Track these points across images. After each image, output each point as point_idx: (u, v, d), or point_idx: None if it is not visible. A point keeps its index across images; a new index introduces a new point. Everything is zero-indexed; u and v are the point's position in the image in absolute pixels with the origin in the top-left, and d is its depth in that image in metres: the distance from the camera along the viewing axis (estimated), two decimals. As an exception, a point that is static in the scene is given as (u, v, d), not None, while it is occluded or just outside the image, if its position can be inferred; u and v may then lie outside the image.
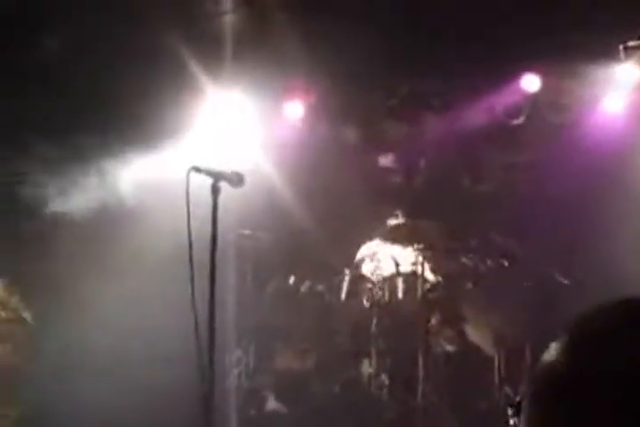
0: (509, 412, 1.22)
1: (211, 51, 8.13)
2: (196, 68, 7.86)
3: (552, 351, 1.13)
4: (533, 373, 1.15)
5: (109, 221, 7.60)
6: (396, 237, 8.20)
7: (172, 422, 6.73)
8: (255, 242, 8.43)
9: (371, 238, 8.44)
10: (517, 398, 1.19)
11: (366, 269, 8.25)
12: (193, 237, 4.35)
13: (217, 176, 4.51)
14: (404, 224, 8.32)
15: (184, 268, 4.35)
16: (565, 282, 7.87)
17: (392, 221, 8.46)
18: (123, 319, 7.22)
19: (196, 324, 4.24)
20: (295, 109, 8.83)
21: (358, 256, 8.37)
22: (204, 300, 4.40)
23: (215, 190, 4.52)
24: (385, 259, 8.16)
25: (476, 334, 7.96)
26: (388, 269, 8.08)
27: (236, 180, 4.56)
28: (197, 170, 4.48)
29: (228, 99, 8.27)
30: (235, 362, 8.29)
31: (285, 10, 8.22)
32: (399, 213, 8.45)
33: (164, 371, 7.04)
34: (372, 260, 8.21)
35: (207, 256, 4.47)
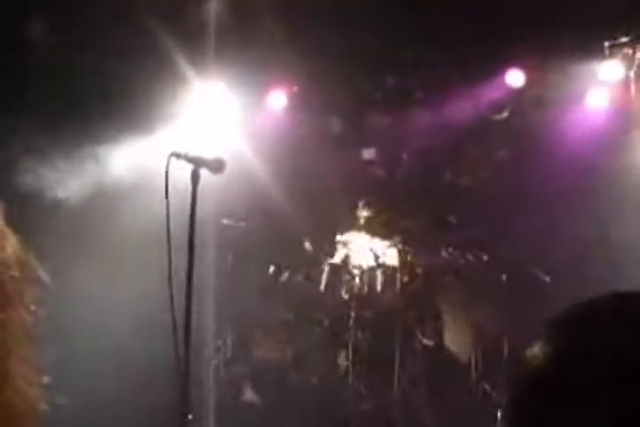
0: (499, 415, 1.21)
1: (195, 43, 8.11)
2: (181, 59, 7.87)
3: (533, 349, 1.12)
4: (513, 371, 1.14)
5: (96, 207, 7.63)
6: (376, 229, 8.20)
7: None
8: (235, 231, 8.40)
9: (351, 230, 8.43)
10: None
11: (340, 258, 8.24)
12: (174, 224, 4.30)
13: (197, 162, 4.43)
14: (384, 216, 8.31)
15: (165, 255, 4.31)
16: (543, 277, 7.89)
17: (372, 213, 8.45)
18: (109, 303, 7.31)
19: (173, 315, 4.17)
20: (278, 100, 8.79)
21: (337, 247, 8.36)
22: (182, 289, 4.35)
23: (195, 177, 4.42)
24: (364, 251, 8.16)
25: (453, 332, 7.97)
26: (367, 262, 8.08)
27: (217, 166, 4.46)
28: (177, 156, 4.42)
29: (212, 89, 8.24)
30: (212, 352, 8.28)
31: (268, 1, 8.18)
32: (380, 205, 8.44)
33: (146, 349, 7.10)
34: (348, 250, 8.21)
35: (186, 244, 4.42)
